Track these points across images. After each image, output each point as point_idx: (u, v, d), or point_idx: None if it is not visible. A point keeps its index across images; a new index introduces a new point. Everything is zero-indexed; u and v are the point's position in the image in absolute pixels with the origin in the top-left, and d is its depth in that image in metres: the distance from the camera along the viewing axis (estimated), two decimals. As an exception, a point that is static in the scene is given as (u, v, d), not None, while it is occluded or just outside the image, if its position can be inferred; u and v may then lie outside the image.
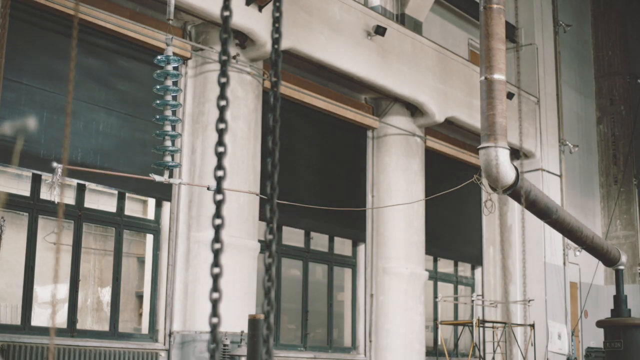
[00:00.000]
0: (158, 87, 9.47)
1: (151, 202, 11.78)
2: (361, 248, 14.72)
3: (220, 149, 2.42)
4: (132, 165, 10.97)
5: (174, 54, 10.66)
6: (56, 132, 10.15)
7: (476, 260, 17.47)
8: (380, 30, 13.61)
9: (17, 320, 10.05)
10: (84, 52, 10.56)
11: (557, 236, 17.30)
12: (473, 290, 17.38)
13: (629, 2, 22.06)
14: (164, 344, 11.05)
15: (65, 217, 10.40)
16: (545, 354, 16.80)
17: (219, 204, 2.41)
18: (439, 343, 15.83)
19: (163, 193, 11.41)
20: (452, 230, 16.95)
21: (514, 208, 17.42)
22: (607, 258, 15.62)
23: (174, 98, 10.04)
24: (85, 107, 10.62)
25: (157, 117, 9.40)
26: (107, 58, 11.05)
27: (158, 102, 9.49)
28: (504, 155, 11.13)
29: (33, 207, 10.15)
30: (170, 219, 11.44)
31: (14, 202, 9.96)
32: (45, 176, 9.75)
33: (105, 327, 11.08)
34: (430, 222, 15.32)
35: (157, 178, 9.88)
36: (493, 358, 15.72)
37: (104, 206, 11.36)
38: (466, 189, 15.35)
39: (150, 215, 11.70)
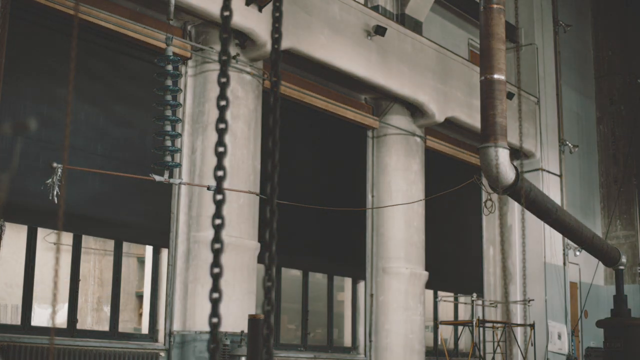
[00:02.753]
0: (157, 88, 9.48)
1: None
2: (360, 283, 14.70)
3: (220, 149, 2.42)
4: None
5: (174, 54, 10.68)
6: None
7: (477, 290, 17.31)
8: (380, 30, 13.61)
9: (17, 320, 10.04)
10: (83, 52, 10.54)
11: (557, 236, 17.29)
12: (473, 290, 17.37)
13: (629, 2, 22.05)
14: (164, 344, 11.05)
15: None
16: (545, 354, 16.80)
17: (219, 204, 2.41)
18: (439, 343, 15.83)
19: (161, 240, 11.35)
20: (453, 259, 16.79)
21: (514, 208, 17.41)
22: (607, 258, 15.62)
23: (174, 98, 10.05)
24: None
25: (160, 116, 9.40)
26: (107, 58, 11.04)
27: (158, 102, 9.49)
28: (504, 155, 11.14)
29: (33, 207, 10.13)
30: (170, 219, 11.43)
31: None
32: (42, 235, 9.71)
33: (105, 327, 11.08)
34: (429, 251, 15.17)
35: (157, 178, 9.89)
36: (493, 358, 15.72)
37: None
38: (466, 191, 15.36)
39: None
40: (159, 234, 11.33)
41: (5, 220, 9.40)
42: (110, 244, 11.32)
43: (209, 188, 10.87)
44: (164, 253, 11.46)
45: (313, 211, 13.37)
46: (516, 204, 15.75)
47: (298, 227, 13.28)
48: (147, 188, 11.05)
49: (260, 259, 11.65)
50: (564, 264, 18.09)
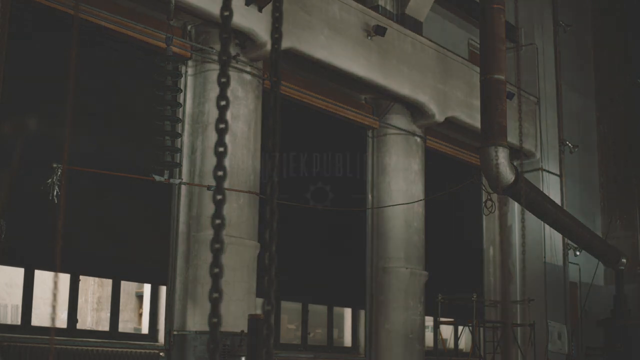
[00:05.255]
0: (157, 88, 9.47)
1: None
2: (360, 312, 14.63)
3: (220, 149, 2.42)
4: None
5: (174, 53, 10.68)
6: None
7: (477, 290, 17.12)
8: (380, 30, 13.61)
9: (17, 320, 10.04)
10: (83, 51, 10.53)
11: (557, 236, 17.29)
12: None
13: (629, 1, 22.05)
14: (164, 344, 11.05)
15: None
16: (545, 354, 16.79)
17: (219, 204, 2.41)
18: (439, 343, 15.82)
19: (159, 278, 11.28)
20: (453, 259, 16.67)
21: (514, 208, 17.41)
22: (607, 258, 15.64)
23: (174, 98, 10.05)
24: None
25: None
26: (107, 58, 11.02)
27: (158, 102, 9.48)
28: (503, 155, 11.16)
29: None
30: (170, 218, 11.43)
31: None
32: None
33: (105, 327, 11.08)
34: (429, 251, 15.14)
35: (157, 178, 9.89)
36: (493, 358, 15.72)
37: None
38: (466, 191, 15.34)
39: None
40: (158, 272, 11.25)
41: (1, 263, 9.33)
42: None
43: (209, 188, 10.87)
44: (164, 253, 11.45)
45: (312, 234, 13.32)
46: (516, 204, 15.75)
47: (297, 256, 13.15)
48: (145, 223, 11.03)
49: (259, 292, 11.48)
50: (564, 264, 18.09)
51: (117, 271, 10.90)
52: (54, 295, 3.19)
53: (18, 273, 10.12)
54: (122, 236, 10.81)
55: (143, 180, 10.43)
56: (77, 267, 10.32)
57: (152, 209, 11.25)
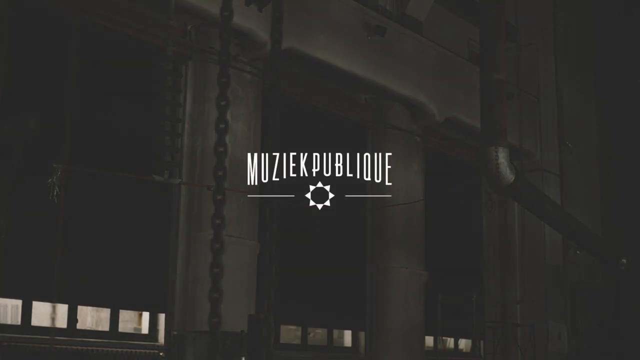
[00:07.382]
0: (158, 88, 9.46)
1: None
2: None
3: (220, 149, 2.43)
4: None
5: (174, 53, 10.67)
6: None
7: (477, 290, 17.05)
8: (380, 30, 13.61)
9: (17, 320, 10.04)
10: (83, 51, 10.52)
11: (557, 236, 17.28)
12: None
13: (629, 1, 22.04)
14: (164, 344, 11.05)
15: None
16: (545, 354, 16.79)
17: (219, 204, 2.42)
18: (439, 343, 15.82)
19: (158, 304, 11.23)
20: (453, 259, 16.61)
21: (514, 208, 17.40)
22: (606, 258, 15.64)
23: (174, 98, 10.05)
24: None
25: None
26: (107, 58, 11.01)
27: (158, 102, 9.47)
28: (503, 155, 11.15)
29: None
30: (170, 218, 11.43)
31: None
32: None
33: (105, 327, 11.07)
34: (430, 251, 15.10)
35: (157, 178, 9.89)
36: (493, 358, 15.72)
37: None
38: (466, 191, 15.32)
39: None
40: (157, 298, 11.25)
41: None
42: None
43: (209, 188, 10.87)
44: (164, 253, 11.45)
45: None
46: (516, 204, 15.75)
47: (296, 265, 13.05)
48: (144, 253, 11.00)
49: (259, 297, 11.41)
50: (564, 264, 18.08)
51: (115, 297, 10.87)
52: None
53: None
54: (120, 265, 10.75)
55: (143, 181, 10.42)
56: (73, 297, 10.26)
57: (151, 211, 11.24)
